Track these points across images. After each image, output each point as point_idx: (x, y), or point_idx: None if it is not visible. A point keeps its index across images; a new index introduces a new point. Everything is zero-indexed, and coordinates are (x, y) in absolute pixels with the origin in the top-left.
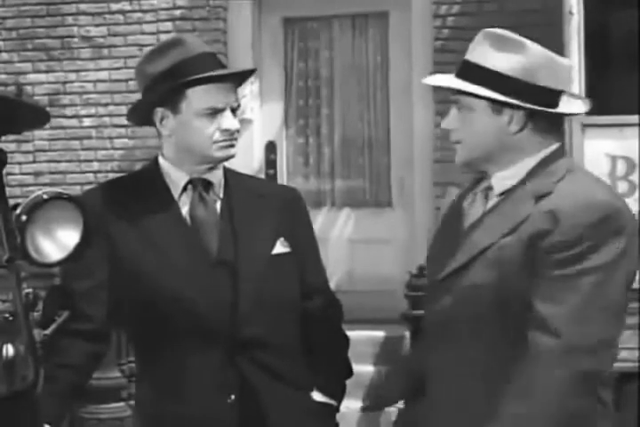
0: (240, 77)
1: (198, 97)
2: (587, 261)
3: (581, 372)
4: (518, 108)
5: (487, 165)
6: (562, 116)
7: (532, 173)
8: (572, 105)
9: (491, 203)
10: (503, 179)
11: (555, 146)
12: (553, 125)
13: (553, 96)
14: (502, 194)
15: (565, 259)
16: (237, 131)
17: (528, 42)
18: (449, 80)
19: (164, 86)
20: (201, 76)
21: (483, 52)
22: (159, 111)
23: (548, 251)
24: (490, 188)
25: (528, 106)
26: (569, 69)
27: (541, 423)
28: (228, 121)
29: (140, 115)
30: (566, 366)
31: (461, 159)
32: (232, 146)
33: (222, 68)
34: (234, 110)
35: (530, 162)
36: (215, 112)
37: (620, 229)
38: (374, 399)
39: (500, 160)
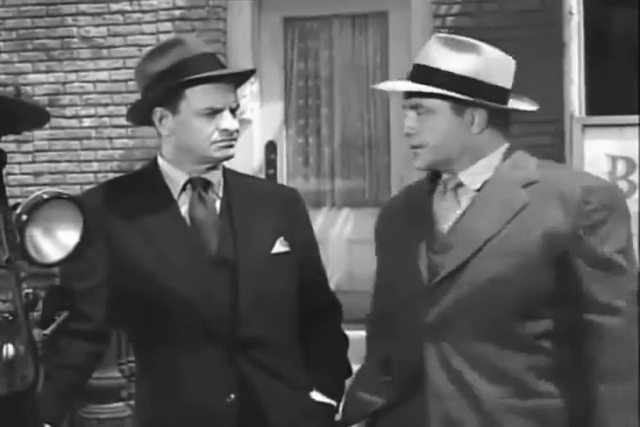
0: (239, 78)
1: (197, 97)
2: (614, 240)
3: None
4: (480, 107)
5: (450, 166)
6: (511, 113)
7: (498, 168)
8: (521, 102)
9: (466, 198)
10: (474, 175)
11: (507, 142)
12: (508, 122)
13: (506, 94)
14: (479, 189)
15: (595, 242)
16: (236, 131)
17: (480, 43)
18: (408, 84)
19: (163, 86)
20: (199, 76)
21: (437, 56)
22: (158, 111)
23: (572, 238)
24: (460, 185)
25: (493, 105)
26: (513, 67)
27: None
28: (226, 121)
29: (140, 115)
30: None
31: (425, 163)
32: (231, 146)
33: (222, 68)
34: (233, 110)
35: (494, 157)
36: (214, 112)
37: (623, 200)
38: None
39: (463, 159)
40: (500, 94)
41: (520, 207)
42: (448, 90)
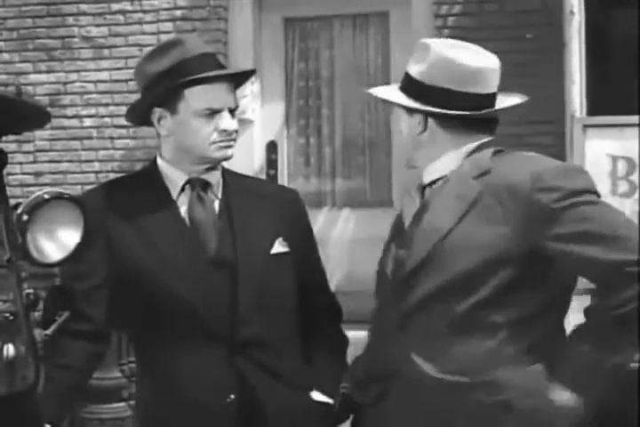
0: (239, 78)
1: (196, 97)
2: (578, 196)
3: None
4: (418, 111)
5: (412, 162)
6: (477, 117)
7: (461, 164)
8: (504, 103)
9: (427, 193)
10: (431, 172)
11: (477, 142)
12: (466, 124)
13: (460, 97)
14: (432, 184)
15: (565, 220)
16: (235, 131)
17: (434, 46)
18: (375, 89)
19: (162, 86)
20: (198, 76)
21: (410, 60)
22: (157, 111)
23: (539, 224)
24: (422, 183)
25: (425, 108)
26: (481, 70)
27: None
28: (225, 122)
29: (139, 115)
30: None
31: (402, 160)
32: (230, 147)
33: (221, 68)
34: (232, 111)
35: (454, 156)
36: (213, 113)
37: (585, 181)
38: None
39: (420, 157)
40: (444, 97)
41: (474, 198)
42: (405, 93)
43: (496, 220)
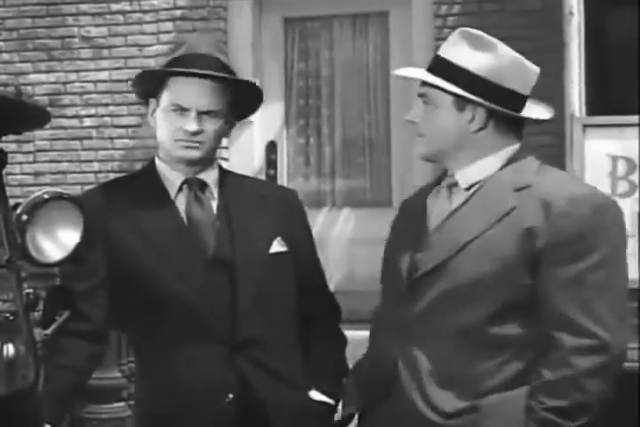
0: (242, 85)
1: (173, 92)
2: (591, 256)
3: (609, 363)
4: (481, 106)
5: (447, 161)
6: (523, 119)
7: (500, 170)
8: (533, 110)
9: (458, 198)
10: (468, 175)
11: (517, 145)
12: (513, 127)
13: (517, 99)
14: (469, 189)
15: (568, 257)
16: (198, 133)
17: (500, 43)
18: (419, 72)
19: (150, 73)
20: (175, 69)
21: (456, 50)
22: (152, 103)
23: (548, 249)
24: (454, 184)
25: (492, 106)
26: (535, 76)
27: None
28: (187, 122)
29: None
30: (598, 361)
31: (421, 152)
32: (192, 148)
33: (217, 70)
34: (206, 113)
35: (494, 160)
36: (181, 110)
37: (614, 219)
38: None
39: (459, 157)
40: (509, 98)
41: (506, 211)
42: (457, 85)
43: (521, 235)
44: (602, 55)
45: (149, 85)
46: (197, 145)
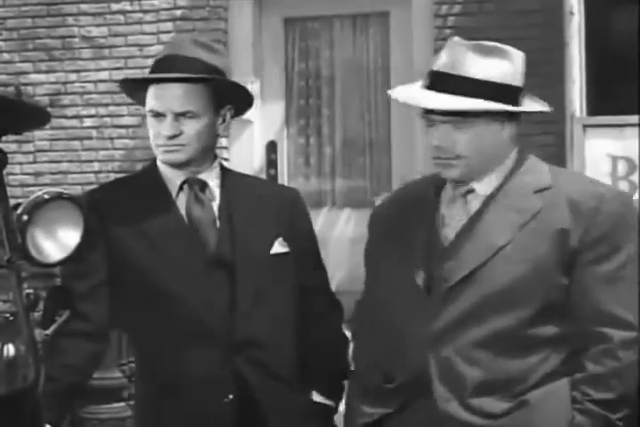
0: (219, 82)
1: (150, 98)
2: (623, 251)
3: None
4: (511, 115)
5: (484, 174)
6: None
7: (510, 173)
8: (532, 100)
9: (476, 204)
10: (487, 182)
11: (516, 146)
12: (519, 127)
13: (522, 95)
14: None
15: (603, 254)
16: (175, 136)
17: (510, 48)
18: (447, 101)
19: (133, 83)
20: (135, 77)
21: (466, 63)
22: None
23: (583, 248)
24: (470, 191)
25: (526, 110)
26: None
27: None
28: (165, 126)
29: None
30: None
31: (462, 174)
32: (174, 151)
33: (194, 71)
34: (183, 115)
35: (508, 162)
36: (157, 115)
37: (636, 213)
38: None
39: (497, 164)
40: (521, 96)
41: (533, 213)
42: (485, 99)
43: (552, 236)
44: (602, 55)
45: (136, 95)
46: (178, 148)
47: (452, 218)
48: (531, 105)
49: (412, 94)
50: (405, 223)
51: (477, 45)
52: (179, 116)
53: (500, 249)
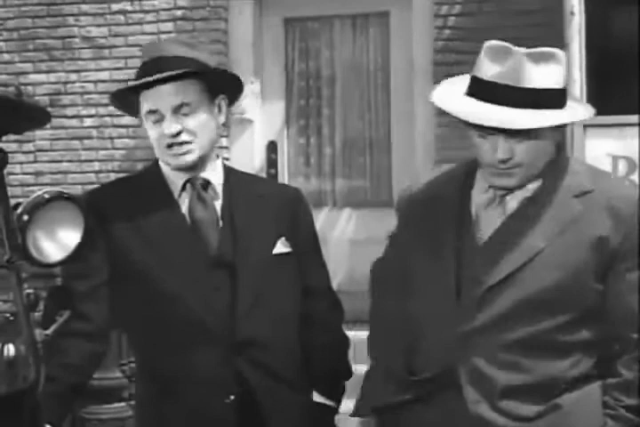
0: (208, 75)
1: (144, 101)
2: None
3: None
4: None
5: (532, 181)
6: None
7: (546, 173)
8: (572, 99)
9: (513, 204)
10: (528, 185)
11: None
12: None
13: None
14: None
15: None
16: (179, 133)
17: (552, 49)
18: (522, 119)
19: (123, 93)
20: (132, 84)
21: (524, 73)
22: (139, 118)
23: (622, 255)
24: (509, 191)
25: (581, 118)
26: None
27: None
28: (165, 125)
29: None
30: None
31: (522, 181)
32: (182, 153)
33: (177, 67)
34: (180, 109)
35: (546, 164)
36: (155, 115)
37: None
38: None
39: (540, 170)
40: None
41: (572, 219)
42: (550, 108)
43: (591, 242)
44: (602, 55)
45: (127, 105)
46: (187, 148)
47: (488, 217)
48: (573, 103)
49: (472, 109)
50: (436, 215)
51: (533, 53)
52: (176, 113)
53: (537, 253)
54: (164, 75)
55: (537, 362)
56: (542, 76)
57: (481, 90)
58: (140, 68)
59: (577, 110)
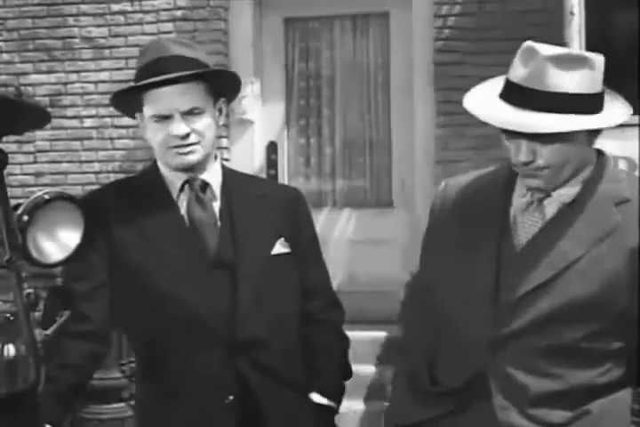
0: (211, 76)
1: (149, 102)
2: None
3: None
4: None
5: (568, 183)
6: None
7: (591, 180)
8: (613, 100)
9: (552, 209)
10: (567, 188)
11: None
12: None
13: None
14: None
15: None
16: (188, 135)
17: (587, 54)
18: (545, 123)
19: (123, 92)
20: (141, 83)
21: (550, 76)
22: (138, 116)
23: None
24: (547, 196)
25: (614, 123)
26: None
27: None
28: (174, 126)
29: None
30: None
31: (549, 186)
32: (187, 153)
33: (182, 68)
34: (189, 113)
35: (588, 169)
36: (163, 118)
37: None
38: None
39: (574, 175)
40: (602, 101)
41: (611, 229)
42: (576, 113)
43: (625, 252)
44: (603, 56)
45: (129, 103)
46: (191, 149)
47: (526, 222)
48: (612, 109)
49: (494, 111)
50: (474, 218)
51: (560, 57)
52: (185, 114)
53: (572, 263)
54: (176, 75)
55: (567, 370)
56: (567, 80)
57: (508, 92)
58: (143, 68)
59: (609, 115)
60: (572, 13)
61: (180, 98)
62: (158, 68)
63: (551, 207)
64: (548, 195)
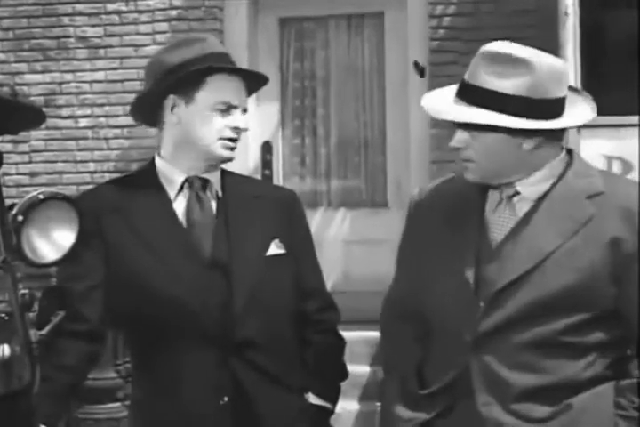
0: (252, 85)
1: (215, 89)
2: None
3: None
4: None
5: (501, 180)
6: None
7: (560, 177)
8: (573, 109)
9: (524, 208)
10: (532, 185)
11: (563, 149)
12: (562, 132)
13: (559, 104)
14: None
15: None
16: (244, 131)
17: (531, 58)
18: (463, 112)
19: (185, 72)
20: (224, 66)
21: (486, 75)
22: (172, 98)
23: (632, 257)
24: (516, 193)
25: (544, 127)
26: (567, 72)
27: None
28: (239, 119)
29: (149, 103)
30: None
31: (475, 177)
32: (234, 148)
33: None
34: (245, 109)
35: (555, 166)
36: (228, 108)
37: None
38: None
39: (518, 172)
40: (556, 106)
41: (585, 220)
42: (500, 111)
43: (603, 243)
44: (597, 56)
45: (179, 79)
46: (236, 145)
47: (499, 220)
48: (565, 119)
49: (440, 105)
50: (450, 221)
51: (497, 55)
52: (243, 110)
53: (549, 255)
54: (250, 70)
55: (550, 363)
56: (497, 79)
57: (459, 87)
58: (207, 56)
59: (550, 122)
60: (566, 14)
61: (243, 92)
62: (227, 59)
63: (521, 204)
64: (517, 192)
